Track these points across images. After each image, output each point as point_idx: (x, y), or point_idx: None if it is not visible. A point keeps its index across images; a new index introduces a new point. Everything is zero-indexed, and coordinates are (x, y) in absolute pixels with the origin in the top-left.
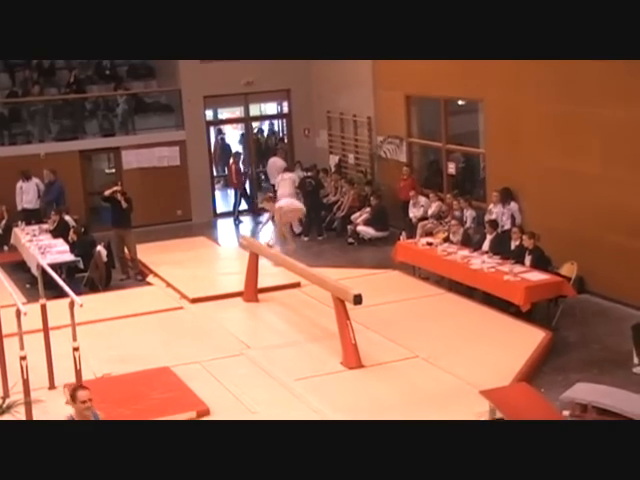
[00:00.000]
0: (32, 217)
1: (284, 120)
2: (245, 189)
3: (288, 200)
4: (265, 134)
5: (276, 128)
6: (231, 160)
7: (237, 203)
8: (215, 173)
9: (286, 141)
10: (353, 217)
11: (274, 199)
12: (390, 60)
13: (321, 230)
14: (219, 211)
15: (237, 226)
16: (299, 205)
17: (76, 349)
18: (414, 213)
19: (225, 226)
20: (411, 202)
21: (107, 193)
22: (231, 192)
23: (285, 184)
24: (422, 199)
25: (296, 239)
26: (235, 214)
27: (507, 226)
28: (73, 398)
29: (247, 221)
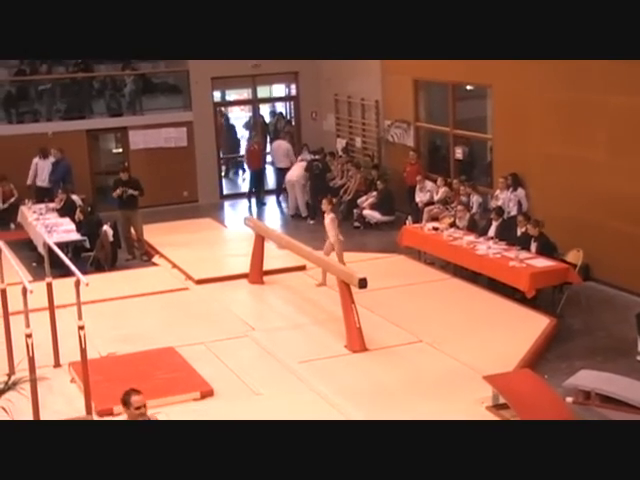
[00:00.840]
0: (44, 195)
1: (291, 103)
2: (264, 170)
3: None
4: (268, 117)
5: (280, 110)
6: (250, 142)
7: (256, 184)
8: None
9: (293, 124)
10: (359, 201)
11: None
12: None
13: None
14: (225, 193)
15: (260, 207)
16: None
17: (81, 328)
18: (420, 198)
19: (232, 208)
20: (417, 187)
21: (116, 194)
22: (238, 173)
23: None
24: (429, 184)
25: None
26: (256, 195)
27: (513, 212)
28: (126, 404)
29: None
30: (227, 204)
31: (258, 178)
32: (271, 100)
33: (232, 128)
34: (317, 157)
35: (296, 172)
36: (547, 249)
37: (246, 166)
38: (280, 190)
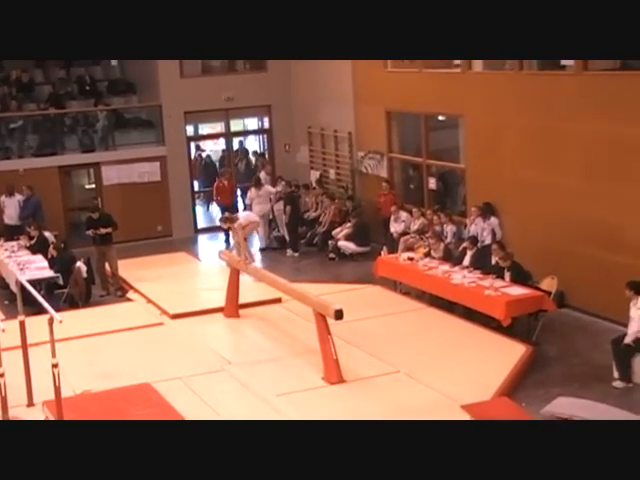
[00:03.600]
0: (14, 233)
1: (265, 135)
2: (236, 206)
3: (244, 214)
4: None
5: (247, 145)
6: (221, 177)
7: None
8: (197, 188)
9: (267, 156)
10: (334, 232)
11: (232, 218)
12: (370, 74)
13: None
14: (199, 227)
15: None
16: (255, 217)
17: (55, 366)
18: (395, 228)
19: (205, 242)
20: (392, 217)
21: (90, 233)
22: (212, 208)
23: (263, 200)
24: (403, 214)
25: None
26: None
27: (488, 241)
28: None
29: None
30: (202, 238)
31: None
32: (244, 133)
33: (209, 162)
34: (291, 189)
35: (265, 207)
36: (520, 277)
37: (215, 202)
38: None
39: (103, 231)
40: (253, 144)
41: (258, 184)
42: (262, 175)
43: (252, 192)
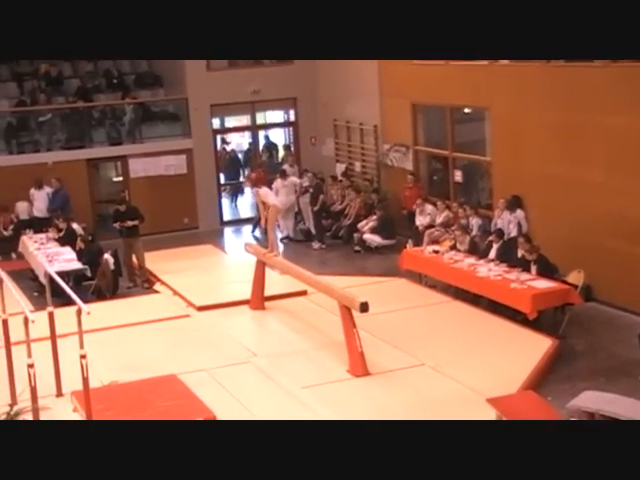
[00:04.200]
0: (42, 225)
1: (290, 128)
2: None
3: (267, 191)
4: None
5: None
6: (259, 168)
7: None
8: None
9: (292, 149)
10: (359, 225)
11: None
12: (396, 67)
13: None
14: (225, 219)
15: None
16: (275, 201)
17: (83, 357)
18: (421, 221)
19: (231, 234)
20: (417, 210)
21: (117, 226)
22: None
23: (289, 190)
24: (429, 207)
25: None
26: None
27: (514, 234)
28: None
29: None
30: (228, 230)
31: None
32: (270, 126)
33: (234, 155)
34: (314, 182)
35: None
36: (547, 270)
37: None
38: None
39: (130, 224)
40: (277, 137)
41: (284, 175)
42: (286, 167)
43: (278, 183)
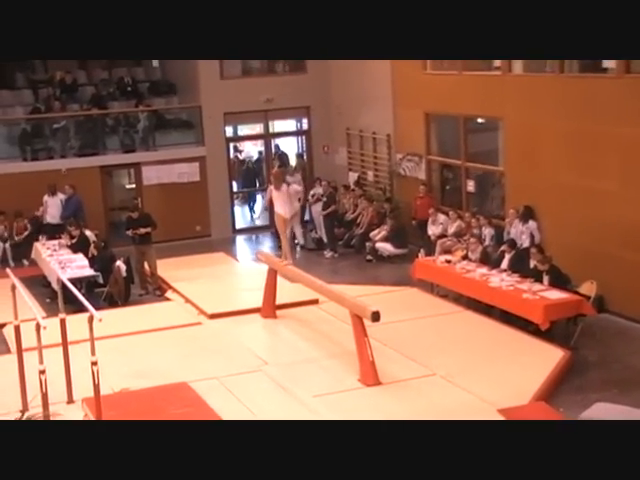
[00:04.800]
0: (55, 232)
1: (303, 137)
2: None
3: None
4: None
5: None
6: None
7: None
8: (235, 189)
9: (305, 158)
10: (372, 234)
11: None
12: (409, 76)
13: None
14: (238, 227)
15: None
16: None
17: (94, 363)
18: (433, 231)
19: (244, 242)
20: (430, 219)
21: (130, 233)
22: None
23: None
24: (441, 217)
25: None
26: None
27: (526, 244)
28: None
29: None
30: (240, 238)
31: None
32: (283, 134)
33: (250, 165)
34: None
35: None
36: (559, 281)
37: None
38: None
39: (142, 231)
40: (288, 146)
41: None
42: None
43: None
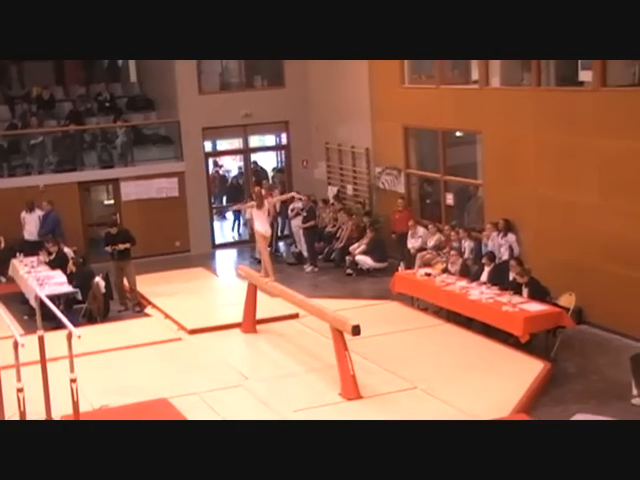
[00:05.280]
0: (33, 248)
1: (282, 152)
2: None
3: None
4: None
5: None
6: (264, 191)
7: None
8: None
9: (284, 173)
10: (351, 248)
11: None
12: (388, 90)
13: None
14: (217, 242)
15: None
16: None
17: (73, 380)
18: (412, 244)
19: (223, 257)
20: (410, 232)
21: (109, 249)
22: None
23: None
24: (420, 230)
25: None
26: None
27: (505, 257)
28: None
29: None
30: (220, 253)
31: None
32: (262, 149)
33: (225, 178)
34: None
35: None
36: (538, 294)
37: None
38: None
39: (122, 247)
40: (267, 161)
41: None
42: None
43: (248, 205)
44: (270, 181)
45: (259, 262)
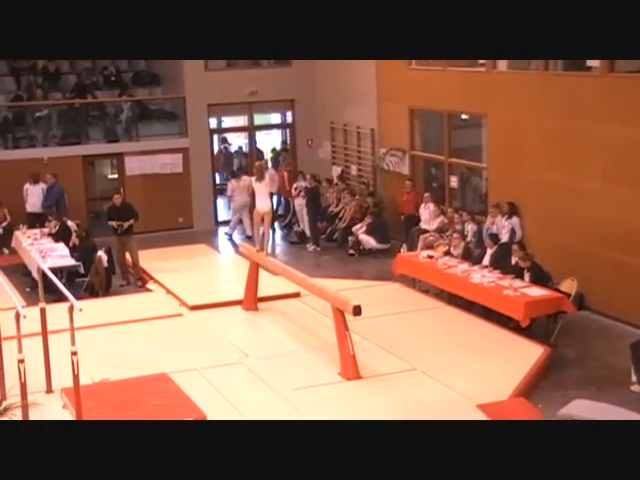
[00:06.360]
0: (36, 221)
1: (287, 130)
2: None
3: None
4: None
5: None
6: (283, 167)
7: (290, 211)
8: (218, 181)
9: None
10: (354, 228)
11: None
12: (394, 72)
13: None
14: (220, 219)
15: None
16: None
17: (74, 353)
18: (425, 216)
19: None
20: (422, 205)
21: (114, 224)
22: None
23: (243, 191)
24: (431, 205)
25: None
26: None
27: (505, 239)
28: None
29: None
30: (222, 230)
31: (288, 205)
32: (267, 127)
33: (231, 155)
34: (312, 184)
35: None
36: (540, 278)
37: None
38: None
39: (126, 225)
40: (268, 141)
41: (236, 176)
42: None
43: (232, 183)
44: (269, 162)
45: (249, 238)
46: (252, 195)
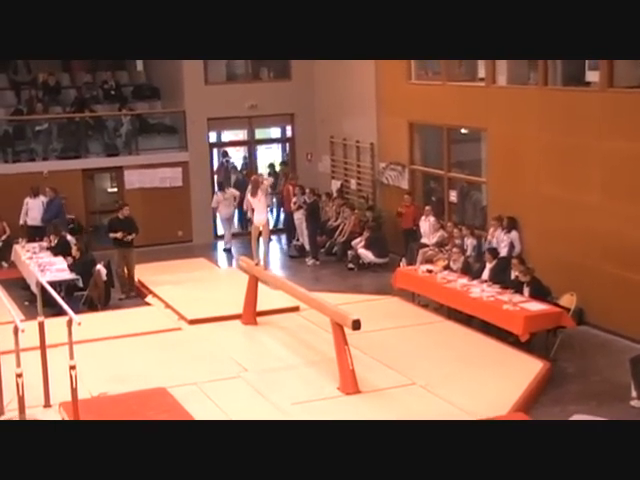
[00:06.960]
0: (36, 234)
1: (287, 144)
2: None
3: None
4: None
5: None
6: (287, 182)
7: (292, 227)
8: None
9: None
10: (354, 242)
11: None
12: (394, 86)
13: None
14: (219, 233)
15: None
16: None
17: (73, 367)
18: (424, 228)
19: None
20: (423, 217)
21: (119, 236)
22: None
23: (228, 203)
24: (432, 218)
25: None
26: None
27: (503, 253)
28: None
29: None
30: (221, 244)
31: (292, 220)
32: (267, 141)
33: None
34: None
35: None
36: (540, 293)
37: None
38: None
39: (129, 238)
40: (273, 154)
41: (222, 188)
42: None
43: (218, 196)
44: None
45: (227, 251)
46: (251, 210)
